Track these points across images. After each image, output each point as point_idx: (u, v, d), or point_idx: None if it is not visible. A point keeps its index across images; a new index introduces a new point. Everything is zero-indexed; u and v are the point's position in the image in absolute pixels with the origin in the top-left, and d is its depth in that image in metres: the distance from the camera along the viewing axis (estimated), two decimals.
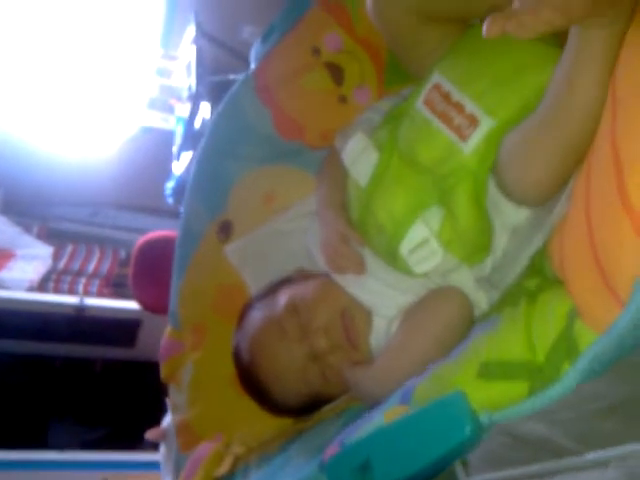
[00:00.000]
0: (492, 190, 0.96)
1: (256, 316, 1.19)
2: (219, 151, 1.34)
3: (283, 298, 1.16)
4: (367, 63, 1.28)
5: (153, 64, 3.57)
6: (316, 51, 1.26)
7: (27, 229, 3.95)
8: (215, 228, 1.36)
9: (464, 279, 1.04)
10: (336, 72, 1.28)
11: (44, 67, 3.58)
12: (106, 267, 4.10)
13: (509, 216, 0.98)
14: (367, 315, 1.11)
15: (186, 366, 1.35)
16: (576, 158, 0.81)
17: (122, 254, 4.18)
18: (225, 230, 1.35)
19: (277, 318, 1.13)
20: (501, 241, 1.01)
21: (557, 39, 0.95)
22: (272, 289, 1.23)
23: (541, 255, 0.89)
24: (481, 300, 1.02)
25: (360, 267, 1.11)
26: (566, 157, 0.81)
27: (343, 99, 1.31)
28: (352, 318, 1.10)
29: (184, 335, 1.37)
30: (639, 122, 0.60)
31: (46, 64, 3.57)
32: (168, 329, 1.40)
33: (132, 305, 2.96)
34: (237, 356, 1.22)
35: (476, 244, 1.01)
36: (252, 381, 1.18)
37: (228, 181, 1.35)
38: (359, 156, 1.10)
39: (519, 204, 0.95)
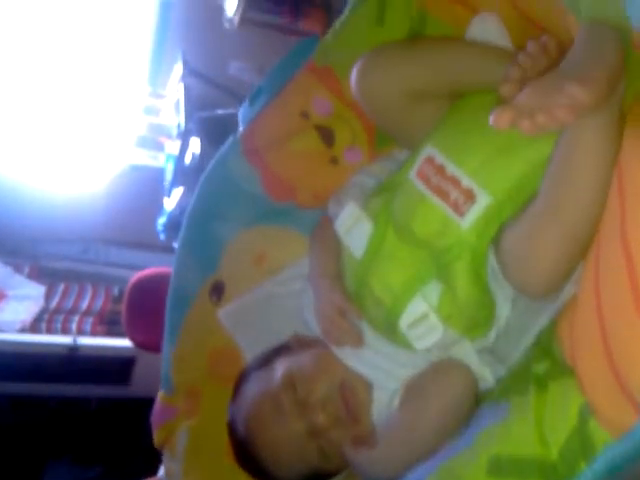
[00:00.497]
0: (492, 263, 0.93)
1: (251, 389, 1.15)
2: (208, 213, 1.31)
3: (279, 370, 1.11)
4: (357, 125, 1.24)
5: (141, 102, 3.56)
6: (305, 115, 1.23)
7: (18, 269, 3.90)
8: (207, 289, 1.32)
9: (466, 352, 1.00)
10: (326, 134, 1.25)
11: (33, 105, 3.55)
12: (99, 304, 4.05)
13: (510, 287, 0.95)
14: (367, 388, 1.07)
15: (180, 432, 1.31)
16: (581, 250, 0.79)
17: (115, 291, 4.13)
18: (217, 291, 1.32)
19: (273, 392, 1.09)
20: (504, 311, 0.99)
21: None
22: (267, 359, 1.18)
23: (549, 335, 0.86)
24: (485, 374, 0.99)
25: (358, 340, 1.07)
26: (570, 251, 0.79)
27: (334, 160, 1.28)
28: (352, 390, 1.06)
29: (177, 400, 1.34)
30: None
31: (35, 102, 3.55)
32: (160, 394, 1.37)
33: (126, 342, 2.93)
34: (232, 430, 1.17)
35: (477, 318, 0.98)
36: (248, 457, 1.14)
37: (219, 242, 1.32)
38: (353, 227, 1.07)
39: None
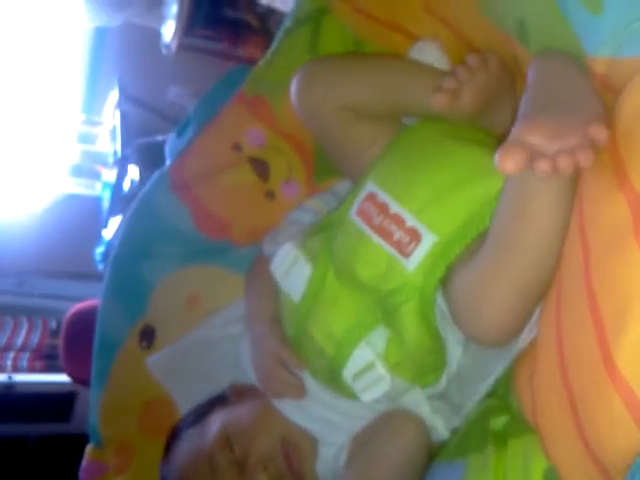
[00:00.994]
0: (441, 305, 0.87)
1: (184, 448, 1.05)
2: (134, 253, 1.23)
3: (214, 427, 1.02)
4: (293, 158, 1.18)
5: (75, 130, 3.46)
6: (237, 147, 1.16)
7: None
8: (136, 335, 1.23)
9: (417, 401, 0.94)
10: (260, 167, 1.18)
11: None
12: (36, 339, 3.90)
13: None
14: (312, 443, 1.00)
15: None
16: (534, 299, 0.73)
17: (53, 324, 3.99)
18: (147, 337, 1.23)
19: (208, 452, 1.00)
20: (455, 355, 0.93)
21: (494, 140, 0.89)
22: (201, 413, 1.09)
23: (506, 387, 0.80)
24: (438, 424, 0.92)
25: (299, 392, 1.00)
26: (522, 300, 0.73)
27: (270, 195, 1.20)
28: (295, 447, 0.98)
29: (107, 455, 1.24)
30: (619, 280, 0.52)
31: None
32: (89, 448, 1.27)
33: (65, 377, 2.81)
34: None
35: (426, 364, 0.91)
36: None
37: (147, 283, 1.23)
38: (290, 269, 0.99)
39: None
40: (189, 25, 3.12)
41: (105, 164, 3.37)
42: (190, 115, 1.18)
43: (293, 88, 0.98)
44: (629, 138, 0.55)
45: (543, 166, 0.57)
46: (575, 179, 0.65)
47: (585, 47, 0.64)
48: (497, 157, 0.59)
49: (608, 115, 0.60)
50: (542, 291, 0.72)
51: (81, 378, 2.47)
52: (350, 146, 0.98)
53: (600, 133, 0.57)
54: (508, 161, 0.58)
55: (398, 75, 0.95)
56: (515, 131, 0.63)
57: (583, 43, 0.64)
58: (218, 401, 1.10)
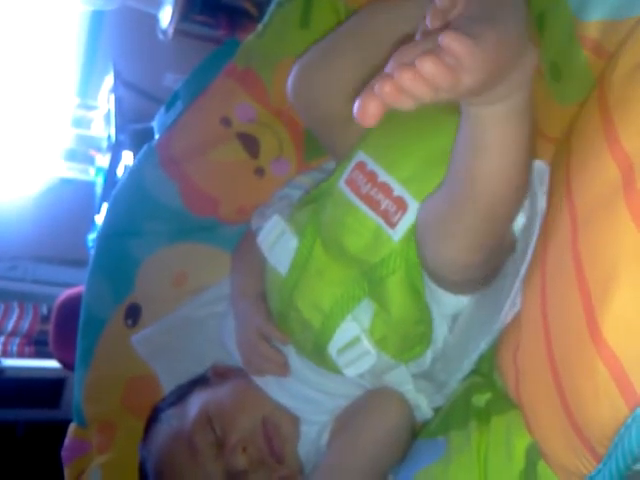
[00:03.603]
0: (427, 278, 0.85)
1: (163, 430, 1.03)
2: (121, 230, 1.21)
3: (194, 408, 1.01)
4: (284, 135, 1.16)
5: (69, 114, 3.43)
6: (226, 121, 1.14)
7: None
8: (121, 313, 1.22)
9: (402, 379, 0.92)
10: (250, 143, 1.16)
11: None
12: (27, 324, 3.89)
13: (447, 304, 0.88)
14: (293, 422, 0.98)
15: (92, 470, 1.19)
16: (492, 233, 0.70)
17: (44, 309, 3.97)
18: (133, 315, 1.22)
19: (187, 433, 0.98)
20: (441, 331, 0.91)
21: None
22: (182, 394, 1.07)
23: (490, 364, 0.79)
24: (422, 403, 0.91)
25: (283, 369, 0.98)
26: (480, 233, 0.70)
27: (260, 171, 1.18)
28: (275, 427, 0.97)
29: (90, 434, 1.23)
30: (607, 245, 0.50)
31: None
32: (72, 427, 1.26)
33: (55, 363, 2.80)
34: (142, 475, 1.06)
35: (412, 337, 0.89)
36: None
37: (134, 261, 1.21)
38: (276, 242, 0.97)
39: (450, 290, 0.85)
40: (186, 11, 3.11)
41: (99, 149, 3.35)
42: (179, 89, 1.16)
43: (290, 84, 0.96)
44: (621, 99, 0.53)
45: (383, 87, 0.48)
46: (526, 109, 0.59)
47: (575, 12, 0.62)
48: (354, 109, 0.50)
49: (599, 78, 0.58)
50: (500, 228, 0.70)
51: (71, 364, 2.45)
52: (347, 137, 0.96)
53: (451, 41, 0.47)
54: (362, 112, 0.50)
55: (381, 30, 0.91)
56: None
57: (573, 7, 0.62)
58: (199, 382, 1.09)
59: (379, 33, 0.91)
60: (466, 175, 0.66)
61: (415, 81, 0.47)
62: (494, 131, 0.60)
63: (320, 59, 0.95)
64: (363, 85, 0.50)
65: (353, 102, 0.80)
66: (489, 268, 0.77)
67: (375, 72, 0.50)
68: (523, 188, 0.68)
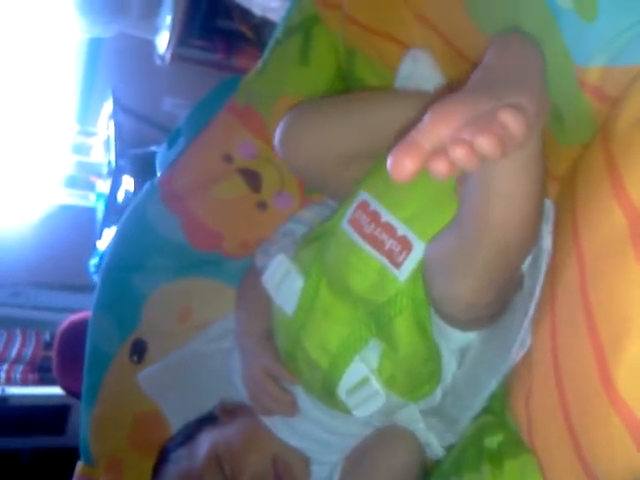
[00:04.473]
0: (432, 315, 0.84)
1: (172, 470, 1.02)
2: (125, 266, 1.21)
3: (203, 447, 1.00)
4: (285, 168, 1.16)
5: (69, 141, 3.44)
6: (228, 158, 1.14)
7: None
8: (127, 349, 1.21)
9: (411, 417, 0.92)
10: (252, 178, 1.16)
11: None
12: (29, 351, 3.87)
13: (455, 339, 0.88)
14: (303, 462, 0.98)
15: None
16: (503, 273, 0.71)
17: (46, 336, 3.96)
18: (138, 350, 1.21)
19: (197, 473, 0.97)
20: (450, 366, 0.90)
21: None
22: (190, 433, 1.07)
23: (502, 404, 0.78)
24: (432, 441, 0.90)
25: (291, 409, 0.97)
26: (490, 273, 0.70)
27: (263, 205, 1.19)
28: (286, 467, 0.96)
29: (98, 473, 1.22)
30: (617, 297, 0.50)
31: None
32: (79, 465, 1.25)
33: (59, 390, 2.78)
34: None
35: (421, 375, 0.89)
36: None
37: (139, 296, 1.21)
38: (282, 281, 0.96)
39: (457, 327, 0.84)
40: (183, 36, 3.12)
41: (99, 175, 3.36)
42: (181, 126, 1.16)
43: (279, 143, 0.95)
44: (626, 149, 0.53)
45: (435, 164, 0.49)
46: (540, 153, 0.60)
47: (575, 58, 0.62)
48: (388, 164, 0.49)
49: (603, 125, 0.58)
50: (511, 268, 0.71)
51: (74, 391, 2.44)
52: (341, 187, 0.96)
53: (512, 122, 0.50)
54: (398, 168, 0.48)
55: (385, 112, 0.91)
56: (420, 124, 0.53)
57: (572, 54, 0.62)
58: (207, 420, 1.08)
59: (380, 111, 0.91)
60: (479, 220, 0.67)
61: (470, 156, 0.49)
62: (511, 179, 0.61)
63: (316, 119, 0.94)
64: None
65: (343, 164, 0.88)
66: (497, 306, 0.76)
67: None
68: (535, 230, 0.68)
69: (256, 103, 1.11)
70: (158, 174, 1.17)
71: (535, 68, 0.62)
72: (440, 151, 0.49)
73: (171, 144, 1.16)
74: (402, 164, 0.48)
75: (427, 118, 0.51)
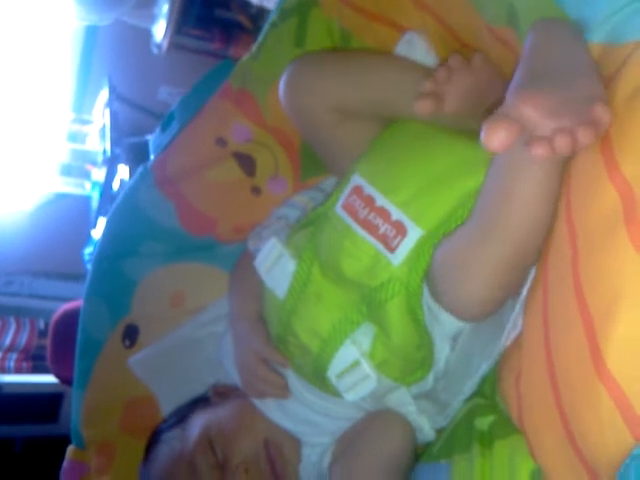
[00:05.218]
0: (427, 299, 0.84)
1: (164, 452, 1.02)
2: (118, 251, 1.20)
3: (195, 429, 1.00)
4: (280, 153, 1.15)
5: (64, 129, 3.43)
6: (222, 142, 1.13)
7: None
8: (119, 334, 1.21)
9: (403, 401, 0.91)
10: (246, 162, 1.15)
11: None
12: (24, 339, 3.87)
13: (449, 325, 0.87)
14: (295, 445, 0.98)
15: None
16: (517, 274, 0.71)
17: (41, 324, 3.95)
18: (130, 336, 1.21)
19: (188, 455, 0.97)
20: (442, 351, 0.90)
21: None
22: (183, 415, 1.07)
23: (492, 387, 0.78)
24: (424, 425, 0.90)
25: (283, 392, 0.97)
26: (504, 274, 0.70)
27: (257, 190, 1.18)
28: (278, 449, 0.96)
29: (89, 456, 1.22)
30: (608, 273, 0.50)
31: None
32: (70, 449, 1.25)
33: (53, 378, 2.78)
34: None
35: (414, 361, 0.89)
36: None
37: (130, 281, 1.20)
38: (274, 265, 0.96)
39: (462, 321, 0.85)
40: (180, 24, 3.11)
41: (95, 163, 3.34)
42: (174, 109, 1.15)
43: (282, 86, 0.95)
44: (620, 126, 0.53)
45: (539, 148, 0.53)
46: (565, 161, 0.62)
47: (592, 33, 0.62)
48: (483, 130, 0.54)
49: None
50: (525, 269, 0.71)
51: (68, 379, 2.43)
52: (338, 146, 0.96)
53: (605, 114, 0.53)
54: (494, 136, 0.54)
55: (387, 73, 0.92)
56: (507, 102, 0.58)
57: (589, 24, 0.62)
58: (199, 403, 1.08)
59: (387, 75, 0.92)
60: (499, 220, 0.68)
61: (568, 149, 0.53)
62: (540, 183, 0.63)
63: (323, 68, 0.94)
64: None
65: (338, 117, 0.90)
66: (504, 303, 0.76)
67: None
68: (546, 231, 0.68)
69: (251, 86, 1.10)
70: (152, 158, 1.16)
71: (588, 57, 0.62)
72: (541, 136, 0.54)
73: (164, 128, 1.16)
74: (497, 133, 0.53)
75: (515, 98, 0.57)
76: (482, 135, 0.54)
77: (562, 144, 0.53)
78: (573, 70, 0.60)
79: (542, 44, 0.65)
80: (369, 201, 0.86)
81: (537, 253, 0.69)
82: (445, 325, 0.87)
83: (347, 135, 0.94)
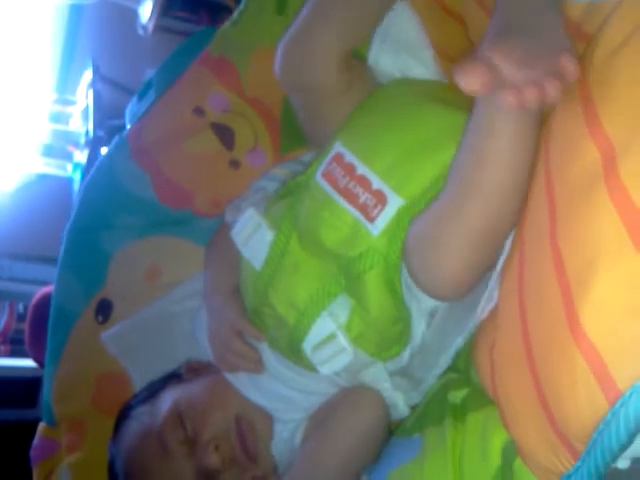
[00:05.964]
0: (406, 276, 0.82)
1: (133, 428, 1.00)
2: (92, 223, 1.18)
3: (166, 405, 0.97)
4: (259, 124, 1.12)
5: (47, 109, 3.39)
6: (199, 111, 1.10)
7: None
8: (92, 309, 1.18)
9: (378, 376, 0.90)
10: (225, 134, 1.13)
11: None
12: (2, 323, 3.83)
13: (426, 301, 0.86)
14: (267, 421, 0.96)
15: (61, 470, 1.16)
16: (491, 248, 0.70)
17: (20, 308, 3.91)
18: (104, 311, 1.18)
19: (158, 431, 0.94)
20: (419, 328, 0.89)
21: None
22: (154, 390, 1.04)
23: (466, 359, 0.77)
24: (398, 401, 0.88)
25: (257, 366, 0.95)
26: (479, 247, 0.69)
27: (236, 163, 1.15)
28: (249, 425, 0.94)
29: (60, 433, 1.19)
30: (586, 231, 0.48)
31: None
32: (41, 426, 1.22)
33: (31, 362, 2.76)
34: (111, 475, 1.02)
35: (390, 335, 0.87)
36: None
37: (104, 255, 1.18)
38: (251, 235, 0.94)
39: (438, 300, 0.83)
40: (167, 6, 3.08)
41: (77, 145, 3.31)
42: (152, 77, 1.13)
43: (279, 59, 0.92)
44: (602, 79, 0.51)
45: (509, 96, 0.52)
46: (539, 122, 0.61)
47: None
48: (460, 72, 0.53)
49: (580, 60, 0.56)
50: (499, 241, 0.70)
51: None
52: (332, 112, 0.93)
53: (571, 65, 0.53)
54: (472, 78, 0.53)
55: None
56: (482, 50, 0.57)
57: None
58: (171, 378, 1.06)
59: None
60: (472, 186, 0.67)
61: (538, 99, 0.52)
62: (513, 145, 0.63)
63: (303, 31, 0.91)
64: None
65: (340, 70, 0.87)
66: (479, 281, 0.75)
67: None
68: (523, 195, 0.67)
69: (231, 54, 1.07)
70: (127, 127, 1.14)
71: (556, 10, 0.63)
72: (511, 84, 0.53)
73: (142, 96, 1.13)
74: (470, 76, 0.53)
75: (486, 48, 0.57)
76: (456, 76, 0.53)
77: (531, 95, 0.52)
78: (541, 23, 0.61)
79: None
80: (349, 169, 0.84)
81: (513, 222, 0.67)
82: (422, 301, 0.86)
83: (345, 100, 0.91)
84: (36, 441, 1.22)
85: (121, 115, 3.09)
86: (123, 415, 1.05)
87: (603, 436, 0.45)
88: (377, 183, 0.81)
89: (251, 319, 0.96)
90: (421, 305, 0.87)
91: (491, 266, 0.73)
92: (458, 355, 0.82)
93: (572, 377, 0.47)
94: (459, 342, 0.80)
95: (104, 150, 3.05)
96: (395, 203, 0.79)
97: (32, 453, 1.21)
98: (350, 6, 0.89)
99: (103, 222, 1.18)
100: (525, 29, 0.61)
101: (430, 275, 0.74)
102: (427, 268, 0.74)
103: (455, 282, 0.72)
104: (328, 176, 0.86)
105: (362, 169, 0.83)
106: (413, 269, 0.77)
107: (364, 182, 0.82)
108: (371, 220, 0.81)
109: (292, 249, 0.90)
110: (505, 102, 0.52)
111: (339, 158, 0.86)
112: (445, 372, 0.84)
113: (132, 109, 1.13)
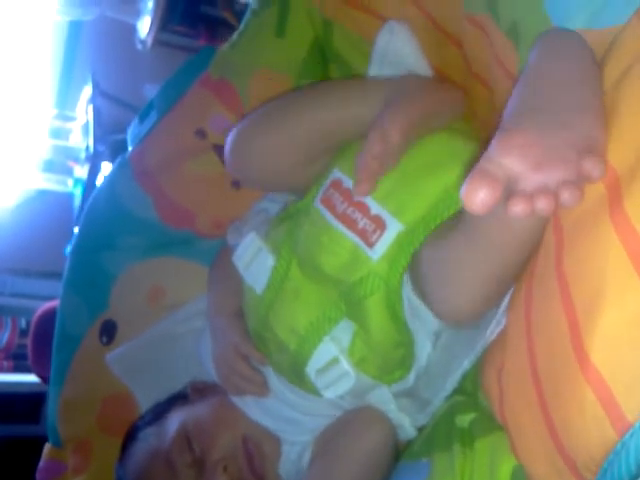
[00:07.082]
0: (409, 296, 0.83)
1: (141, 449, 1.00)
2: (95, 244, 1.18)
3: (173, 426, 0.98)
4: None
5: (47, 125, 3.39)
6: (201, 133, 1.11)
7: None
8: (96, 330, 1.19)
9: (383, 399, 0.90)
10: None
11: None
12: (5, 338, 3.83)
13: (431, 322, 0.86)
14: (274, 442, 0.96)
15: None
16: (509, 282, 0.70)
17: (22, 323, 3.91)
18: (108, 332, 1.18)
19: (166, 452, 0.95)
20: (424, 349, 0.89)
21: (473, 130, 0.85)
22: (160, 411, 1.04)
23: (474, 383, 0.77)
24: (404, 423, 0.88)
25: (262, 389, 0.96)
26: (492, 287, 0.69)
27: (237, 184, 1.16)
28: (257, 446, 0.94)
29: (66, 454, 1.20)
30: (592, 263, 0.48)
31: None
32: (47, 448, 1.23)
33: (34, 378, 2.76)
34: None
35: (393, 359, 0.87)
36: None
37: (108, 276, 1.18)
38: (253, 260, 0.94)
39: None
40: (165, 21, 3.08)
41: (77, 160, 3.31)
42: (153, 99, 1.13)
43: (230, 146, 0.92)
44: (607, 114, 0.51)
45: (518, 207, 0.48)
46: None
47: (553, 19, 0.60)
48: (463, 188, 0.48)
49: None
50: (513, 279, 0.69)
51: (49, 378, 2.41)
52: (304, 182, 0.94)
53: (596, 171, 0.48)
54: (475, 196, 0.47)
55: (337, 111, 0.89)
56: (490, 151, 0.51)
57: (551, 16, 0.60)
58: (177, 399, 1.06)
59: (331, 106, 0.90)
60: (490, 241, 0.65)
61: (550, 208, 0.48)
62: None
63: (268, 123, 0.91)
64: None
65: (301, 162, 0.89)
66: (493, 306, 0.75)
67: None
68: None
69: (231, 76, 1.08)
70: (130, 149, 1.14)
71: (595, 81, 0.56)
72: (522, 191, 0.49)
73: (143, 118, 1.13)
74: (477, 194, 0.47)
75: (497, 148, 0.50)
76: (462, 192, 0.48)
77: (543, 205, 0.48)
78: (570, 106, 0.54)
79: (545, 66, 0.59)
80: (348, 195, 0.84)
81: (525, 264, 0.67)
82: (428, 322, 0.86)
83: (313, 174, 0.92)
84: (42, 463, 1.22)
85: (121, 130, 3.10)
86: (130, 436, 1.05)
87: (613, 466, 0.45)
88: (375, 208, 0.81)
89: (255, 342, 0.97)
90: (426, 327, 0.87)
91: (501, 298, 0.73)
92: (465, 377, 0.81)
93: (581, 407, 0.47)
94: (466, 365, 0.80)
95: (105, 165, 3.06)
96: (394, 228, 0.80)
97: (38, 475, 1.22)
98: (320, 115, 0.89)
99: (106, 243, 1.18)
100: (553, 111, 0.53)
101: (441, 303, 0.74)
102: (444, 299, 0.73)
103: (471, 311, 0.72)
104: (326, 202, 0.86)
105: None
106: (424, 290, 0.77)
107: (362, 207, 0.82)
108: (370, 245, 0.81)
109: (293, 275, 0.90)
110: (512, 211, 0.48)
111: (337, 184, 0.86)
112: (452, 395, 0.83)
113: (134, 130, 1.13)
